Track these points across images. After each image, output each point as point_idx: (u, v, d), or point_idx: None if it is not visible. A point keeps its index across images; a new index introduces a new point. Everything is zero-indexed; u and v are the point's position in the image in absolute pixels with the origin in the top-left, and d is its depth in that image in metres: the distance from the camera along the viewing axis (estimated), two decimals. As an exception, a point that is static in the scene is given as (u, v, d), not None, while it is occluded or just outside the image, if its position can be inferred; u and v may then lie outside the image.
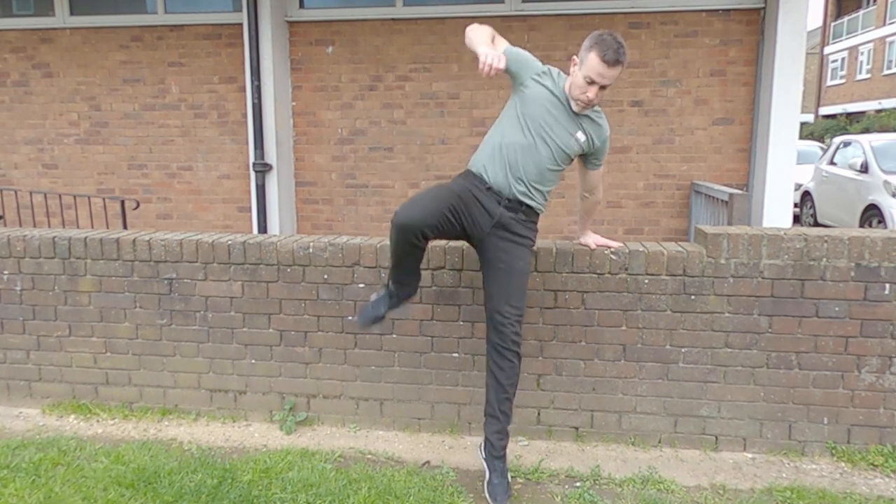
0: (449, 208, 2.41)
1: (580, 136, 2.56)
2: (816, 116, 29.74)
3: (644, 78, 5.62)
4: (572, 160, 2.64)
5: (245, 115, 6.00)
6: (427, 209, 2.35)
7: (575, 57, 2.51)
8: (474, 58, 2.47)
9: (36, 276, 3.29)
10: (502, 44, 2.64)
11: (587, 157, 2.68)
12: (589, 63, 2.39)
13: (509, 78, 2.62)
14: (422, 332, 3.06)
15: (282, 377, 3.20)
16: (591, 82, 2.41)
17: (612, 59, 2.36)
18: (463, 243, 2.85)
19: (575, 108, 2.52)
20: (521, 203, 2.56)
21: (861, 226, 9.08)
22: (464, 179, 2.62)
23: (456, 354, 3.05)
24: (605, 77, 2.39)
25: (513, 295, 2.55)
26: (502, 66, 2.41)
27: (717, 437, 2.96)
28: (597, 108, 2.61)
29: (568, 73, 2.58)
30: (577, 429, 3.04)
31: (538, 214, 2.65)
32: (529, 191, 2.56)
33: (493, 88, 5.73)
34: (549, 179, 2.60)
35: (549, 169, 2.56)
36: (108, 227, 5.52)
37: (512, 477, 2.71)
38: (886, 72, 25.73)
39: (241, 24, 5.86)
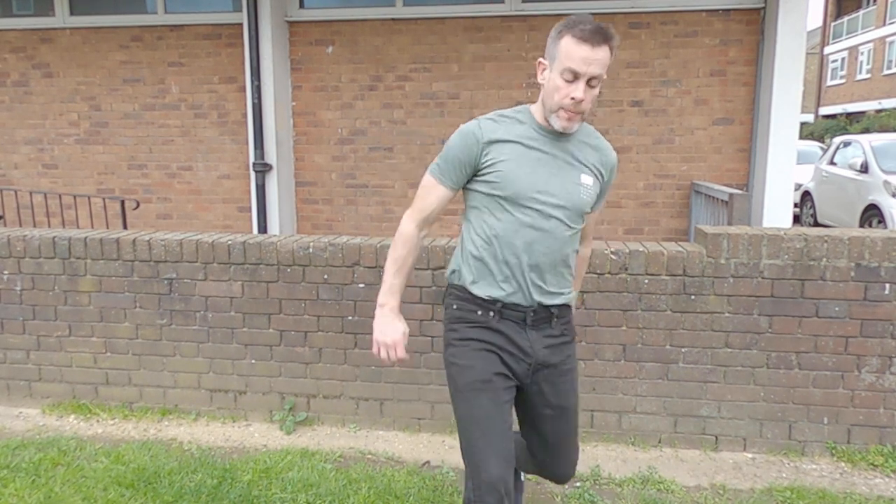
0: (506, 405, 1.85)
1: (586, 179, 1.85)
2: (816, 116, 29.74)
3: (644, 78, 5.62)
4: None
5: (245, 115, 6.00)
6: (500, 437, 1.79)
7: (541, 60, 1.83)
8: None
9: (36, 276, 3.29)
10: (428, 177, 1.90)
11: None
12: (564, 51, 1.71)
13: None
14: (422, 332, 3.06)
15: (282, 377, 3.20)
16: (574, 77, 1.71)
17: (598, 37, 1.69)
18: None
19: (559, 126, 1.78)
20: (549, 308, 1.87)
21: (861, 226, 9.08)
22: (467, 326, 1.88)
23: (456, 354, 3.05)
24: (592, 63, 1.70)
25: (571, 444, 2.01)
26: (402, 353, 1.88)
27: (717, 437, 2.96)
28: (588, 127, 1.94)
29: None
30: (577, 429, 3.04)
31: (571, 309, 1.98)
32: (555, 283, 1.87)
33: (494, 88, 5.72)
34: (572, 248, 1.90)
35: (567, 243, 1.86)
36: (108, 227, 5.52)
37: (512, 477, 2.71)
38: (886, 72, 25.73)
39: (241, 24, 5.86)
